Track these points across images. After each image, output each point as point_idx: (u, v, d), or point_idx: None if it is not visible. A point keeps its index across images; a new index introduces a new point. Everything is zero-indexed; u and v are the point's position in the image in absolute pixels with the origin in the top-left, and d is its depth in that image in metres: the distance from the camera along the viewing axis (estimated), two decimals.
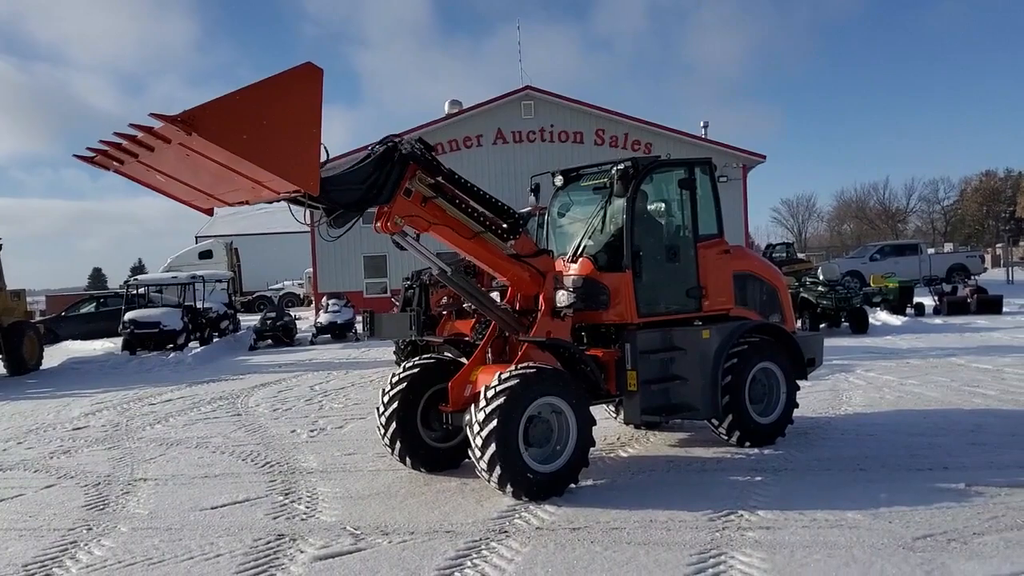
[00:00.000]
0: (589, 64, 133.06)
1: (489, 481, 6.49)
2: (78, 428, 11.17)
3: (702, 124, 34.22)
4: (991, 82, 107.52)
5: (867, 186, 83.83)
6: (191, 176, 5.69)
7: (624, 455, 8.00)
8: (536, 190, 9.15)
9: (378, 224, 6.56)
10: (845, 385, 11.40)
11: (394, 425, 7.38)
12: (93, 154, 5.83)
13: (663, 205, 8.30)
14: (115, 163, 5.84)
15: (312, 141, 5.34)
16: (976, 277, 29.00)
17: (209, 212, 6.33)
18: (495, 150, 30.85)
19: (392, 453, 7.52)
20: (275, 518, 6.45)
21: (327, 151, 5.62)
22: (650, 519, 5.90)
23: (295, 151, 5.23)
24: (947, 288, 23.07)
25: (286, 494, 7.11)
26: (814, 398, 10.29)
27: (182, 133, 4.88)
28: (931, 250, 40.70)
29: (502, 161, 30.47)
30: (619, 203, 7.62)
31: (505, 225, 6.97)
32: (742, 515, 5.90)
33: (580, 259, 7.80)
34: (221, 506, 6.85)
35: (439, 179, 6.62)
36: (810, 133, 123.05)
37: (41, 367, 19.30)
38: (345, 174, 6.25)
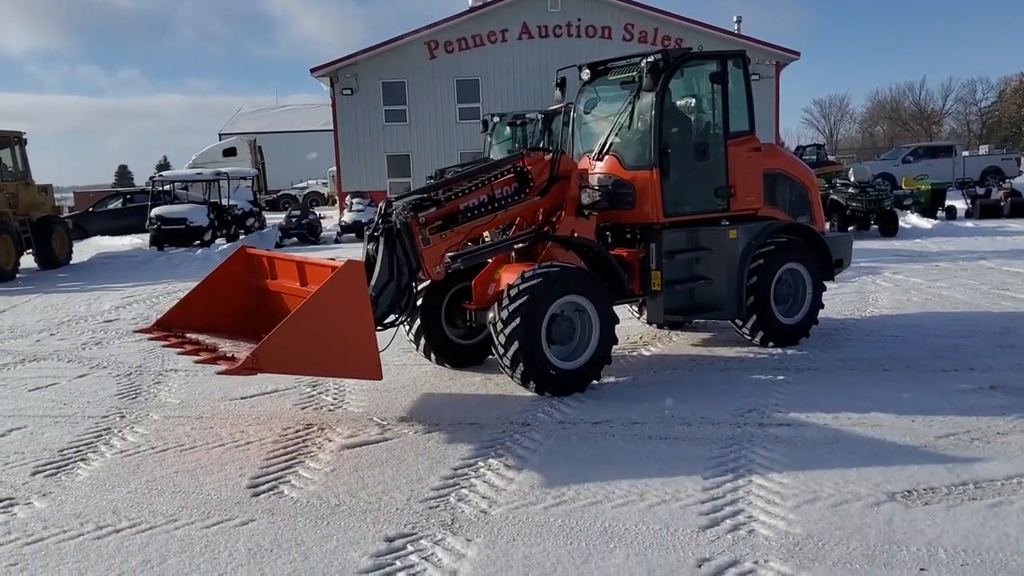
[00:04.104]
0: None
1: (512, 377, 6.56)
2: (109, 320, 11.39)
3: (735, 19, 33.02)
4: None
5: (902, 86, 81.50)
6: None
7: (647, 354, 8.04)
8: (562, 84, 8.88)
9: (423, 278, 6.71)
10: (872, 287, 11.30)
11: (418, 322, 7.43)
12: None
13: (693, 100, 8.05)
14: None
15: (367, 337, 5.63)
16: (1011, 180, 28.26)
17: None
18: (520, 45, 30.03)
19: (417, 349, 7.61)
20: (303, 408, 6.60)
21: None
22: (672, 415, 5.96)
23: (354, 352, 5.58)
24: (980, 191, 22.56)
25: (313, 386, 7.24)
26: (840, 300, 10.22)
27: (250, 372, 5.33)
28: (966, 152, 39.61)
29: (528, 57, 29.71)
30: (648, 98, 7.38)
31: (516, 181, 7.04)
32: (764, 412, 5.94)
33: (606, 157, 7.64)
34: (250, 396, 7.01)
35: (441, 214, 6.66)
36: (844, 32, 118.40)
37: (71, 262, 19.57)
38: (375, 288, 6.29)
